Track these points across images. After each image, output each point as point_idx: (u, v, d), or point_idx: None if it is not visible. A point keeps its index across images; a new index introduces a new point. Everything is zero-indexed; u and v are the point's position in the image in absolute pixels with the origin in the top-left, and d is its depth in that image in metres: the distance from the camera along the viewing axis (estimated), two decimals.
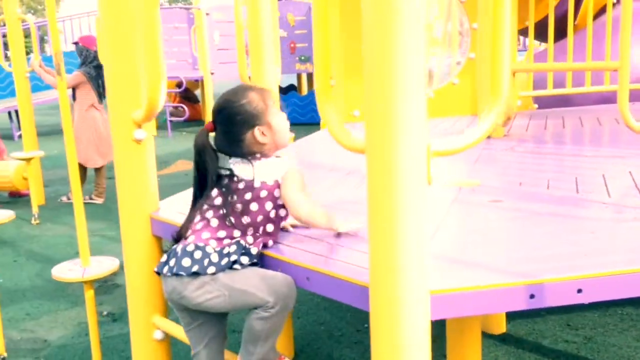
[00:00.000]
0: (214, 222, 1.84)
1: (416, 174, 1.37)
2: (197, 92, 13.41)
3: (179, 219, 2.05)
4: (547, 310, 3.33)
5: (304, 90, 12.94)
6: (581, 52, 4.31)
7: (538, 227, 1.93)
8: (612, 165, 2.71)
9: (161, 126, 12.09)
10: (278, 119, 1.92)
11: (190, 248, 1.80)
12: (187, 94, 13.11)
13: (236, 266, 1.79)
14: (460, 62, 4.47)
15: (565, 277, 1.53)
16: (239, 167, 1.87)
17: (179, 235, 1.88)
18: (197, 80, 12.44)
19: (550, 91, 4.05)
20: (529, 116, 4.39)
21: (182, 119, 11.87)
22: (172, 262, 1.81)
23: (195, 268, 1.76)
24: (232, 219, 1.82)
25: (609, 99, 4.72)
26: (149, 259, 2.22)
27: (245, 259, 1.80)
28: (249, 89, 1.93)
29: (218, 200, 1.86)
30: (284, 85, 12.82)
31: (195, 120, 12.96)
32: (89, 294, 2.93)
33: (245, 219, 1.83)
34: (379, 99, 1.35)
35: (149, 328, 2.24)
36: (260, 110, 1.89)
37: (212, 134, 1.94)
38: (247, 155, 1.88)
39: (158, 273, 1.88)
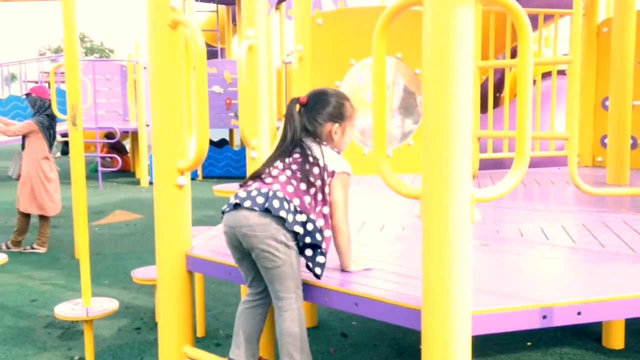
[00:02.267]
0: (294, 182, 2.15)
1: (463, 216, 1.74)
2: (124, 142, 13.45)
3: (212, 256, 2.32)
4: (497, 351, 3.72)
5: (236, 144, 13.26)
6: (511, 121, 4.89)
7: (530, 264, 2.33)
8: (565, 217, 3.19)
9: (90, 177, 12.00)
10: (351, 131, 2.32)
11: (280, 195, 2.10)
12: (116, 145, 13.11)
13: (307, 251, 2.12)
14: (414, 126, 4.97)
15: (568, 302, 1.92)
16: (311, 144, 2.22)
17: (256, 174, 2.19)
18: (126, 132, 12.50)
19: (505, 154, 4.59)
20: (478, 176, 4.91)
21: (114, 169, 11.87)
22: (259, 200, 2.09)
23: (282, 213, 2.06)
24: (306, 185, 2.15)
25: (538, 163, 5.32)
26: (182, 292, 2.45)
27: (321, 258, 2.14)
28: (349, 99, 2.32)
29: (294, 166, 2.18)
30: (216, 140, 13.09)
31: (125, 171, 12.94)
32: (89, 334, 3.07)
33: (312, 190, 2.16)
34: (435, 158, 1.72)
35: (180, 357, 2.44)
36: (347, 115, 2.29)
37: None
38: (317, 138, 2.24)
39: (237, 205, 2.11)
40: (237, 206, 2.13)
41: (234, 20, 14.41)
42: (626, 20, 4.22)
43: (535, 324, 1.90)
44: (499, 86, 7.00)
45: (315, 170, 2.18)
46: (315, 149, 2.22)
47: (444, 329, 1.73)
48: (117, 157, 11.88)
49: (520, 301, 1.91)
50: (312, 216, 2.13)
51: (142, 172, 11.60)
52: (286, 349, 2.11)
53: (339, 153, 2.28)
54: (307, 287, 2.15)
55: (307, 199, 2.15)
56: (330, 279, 2.13)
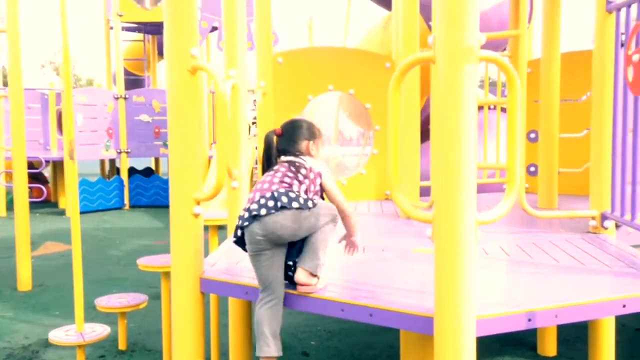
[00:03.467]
0: (287, 180, 2.56)
1: (470, 236, 2.09)
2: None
3: (225, 277, 2.58)
4: None
5: (162, 172, 13.27)
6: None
7: (505, 276, 2.72)
8: (516, 238, 3.62)
9: (11, 207, 11.65)
10: (322, 148, 2.79)
11: (282, 190, 2.51)
12: (37, 175, 12.80)
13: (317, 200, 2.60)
14: (366, 156, 5.35)
15: (547, 307, 2.30)
16: (293, 157, 2.66)
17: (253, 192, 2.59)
18: (47, 161, 12.26)
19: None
20: None
21: (37, 200, 11.57)
22: (270, 204, 2.48)
23: (295, 204, 2.48)
24: (297, 182, 2.57)
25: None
26: (196, 312, 2.66)
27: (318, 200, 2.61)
28: (315, 124, 2.80)
29: (283, 169, 2.61)
30: (140, 168, 13.05)
31: (46, 201, 12.64)
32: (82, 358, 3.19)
33: (303, 186, 2.58)
34: (446, 188, 2.07)
35: None
36: (317, 134, 2.77)
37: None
38: (298, 153, 2.69)
39: (256, 216, 2.48)
40: (255, 217, 2.48)
41: (159, 49, 14.47)
42: (552, 63, 4.79)
43: (522, 326, 2.26)
44: (426, 120, 7.53)
45: (303, 170, 2.61)
46: (299, 158, 2.65)
47: (455, 332, 2.07)
48: (42, 187, 11.61)
49: (510, 307, 2.28)
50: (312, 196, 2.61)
51: (67, 202, 11.40)
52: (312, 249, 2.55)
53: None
54: (322, 302, 2.43)
55: (303, 188, 2.59)
56: (345, 294, 2.43)
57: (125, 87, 12.06)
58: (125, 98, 11.85)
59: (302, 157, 2.66)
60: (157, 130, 11.87)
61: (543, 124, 4.75)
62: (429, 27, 6.27)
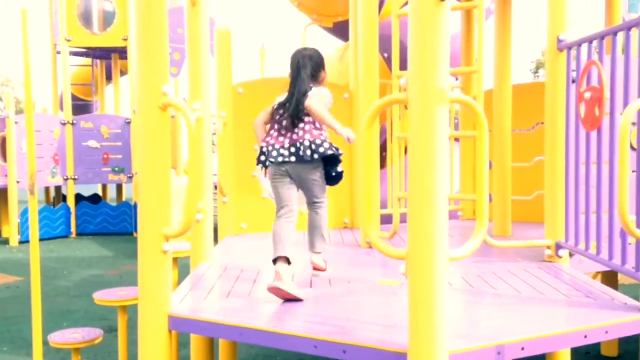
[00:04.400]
0: (307, 127, 3.12)
1: (442, 273, 2.14)
2: None
3: (193, 315, 2.56)
4: None
5: (110, 198, 13.00)
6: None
7: (471, 309, 2.78)
8: (476, 267, 3.70)
9: None
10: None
11: (306, 143, 3.08)
12: None
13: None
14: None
15: (515, 340, 2.37)
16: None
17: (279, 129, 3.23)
18: None
19: None
20: (398, 231, 5.39)
21: None
22: (303, 152, 3.06)
23: (315, 156, 3.08)
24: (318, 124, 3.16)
25: None
26: (163, 351, 2.62)
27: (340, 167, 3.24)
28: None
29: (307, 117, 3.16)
30: (87, 195, 12.76)
31: None
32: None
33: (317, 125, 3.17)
34: (419, 226, 2.12)
35: None
36: (324, 66, 3.36)
37: None
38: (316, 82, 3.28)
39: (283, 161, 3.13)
40: (284, 162, 3.10)
41: (108, 73, 14.26)
42: (503, 94, 4.95)
43: (492, 359, 2.32)
44: (383, 146, 7.65)
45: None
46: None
47: None
48: None
49: (480, 341, 2.33)
50: (328, 139, 3.16)
51: (10, 231, 11.05)
52: (319, 233, 3.26)
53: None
54: (294, 339, 2.43)
55: (324, 130, 3.16)
56: (318, 330, 2.44)
57: (72, 112, 11.82)
58: (72, 124, 11.62)
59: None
60: (105, 156, 11.66)
61: (496, 154, 4.89)
62: (384, 59, 6.40)
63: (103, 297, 4.05)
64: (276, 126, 3.20)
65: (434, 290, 2.11)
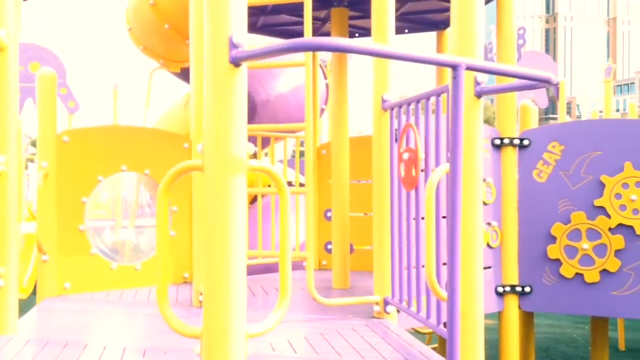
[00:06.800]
0: None
1: (239, 351, 2.02)
2: None
3: None
4: None
5: None
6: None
7: None
8: (305, 327, 3.63)
9: None
10: None
11: None
12: None
13: None
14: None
15: None
16: None
17: None
18: None
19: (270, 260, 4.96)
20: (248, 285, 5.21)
21: None
22: None
23: None
24: None
25: (268, 268, 5.78)
26: None
27: None
28: None
29: None
30: None
31: None
32: None
33: None
34: (214, 302, 1.99)
35: None
36: None
37: None
38: None
39: None
40: None
41: None
42: (341, 146, 5.02)
43: None
44: None
45: None
46: None
47: None
48: None
49: None
50: None
51: None
52: None
53: None
54: None
55: None
56: None
57: None
58: None
59: None
60: None
61: (335, 203, 4.92)
62: None
63: None
64: None
65: None
